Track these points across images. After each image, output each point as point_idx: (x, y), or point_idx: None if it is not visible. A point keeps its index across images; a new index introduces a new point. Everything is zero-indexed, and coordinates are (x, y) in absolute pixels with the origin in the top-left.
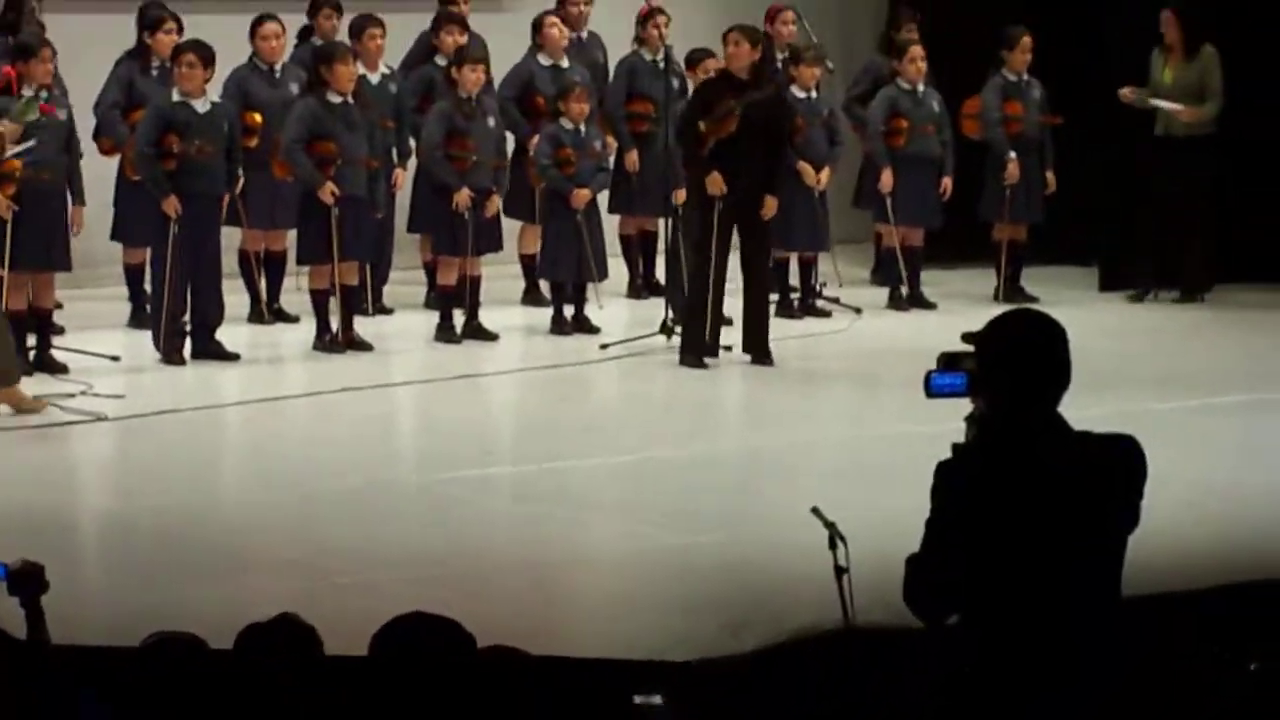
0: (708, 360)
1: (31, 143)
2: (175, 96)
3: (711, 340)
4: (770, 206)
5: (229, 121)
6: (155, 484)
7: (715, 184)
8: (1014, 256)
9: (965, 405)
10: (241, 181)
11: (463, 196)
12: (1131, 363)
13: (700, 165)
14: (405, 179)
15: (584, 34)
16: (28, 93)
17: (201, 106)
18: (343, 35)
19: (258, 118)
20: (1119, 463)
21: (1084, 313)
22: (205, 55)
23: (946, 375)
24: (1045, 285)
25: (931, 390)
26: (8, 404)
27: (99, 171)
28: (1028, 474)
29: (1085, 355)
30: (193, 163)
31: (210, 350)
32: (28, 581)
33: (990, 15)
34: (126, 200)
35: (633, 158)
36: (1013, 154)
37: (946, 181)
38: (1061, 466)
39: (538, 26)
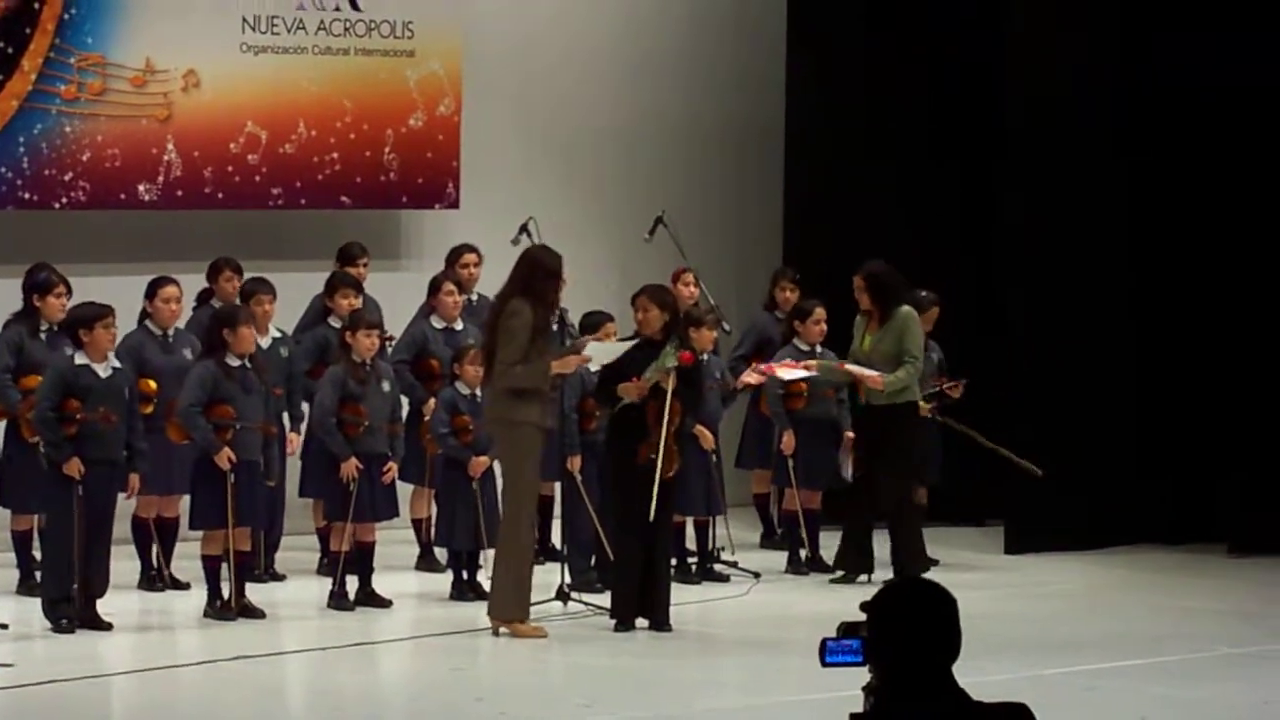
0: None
1: None
2: (78, 360)
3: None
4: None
5: (129, 389)
6: None
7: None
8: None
9: (865, 674)
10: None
11: (349, 466)
12: (1032, 626)
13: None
14: (298, 443)
15: (474, 296)
16: None
17: (103, 371)
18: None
19: (153, 384)
20: None
21: (988, 576)
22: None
23: (841, 643)
24: (947, 547)
25: (826, 659)
26: None
27: None
28: None
29: (986, 619)
30: (94, 429)
31: (87, 619)
32: None
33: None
34: (15, 465)
35: None
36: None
37: (848, 435)
38: None
39: (434, 289)
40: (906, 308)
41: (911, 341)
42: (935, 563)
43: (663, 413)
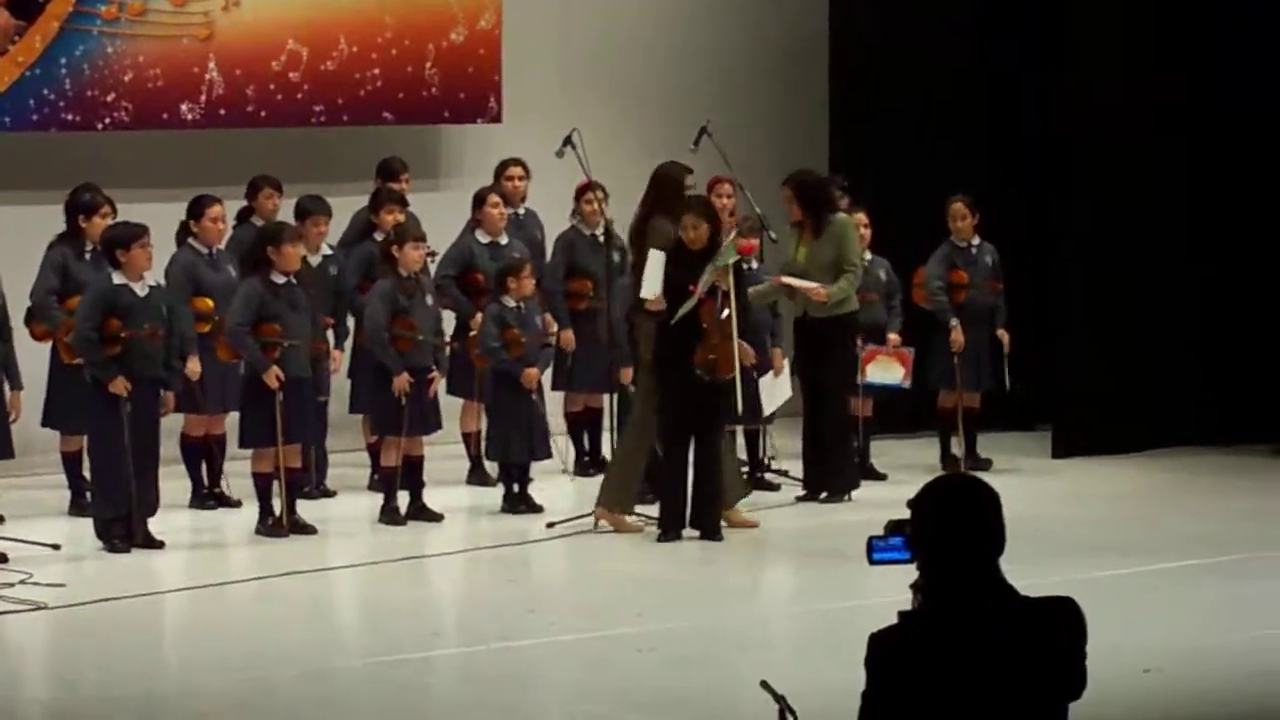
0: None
1: None
2: (116, 279)
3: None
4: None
5: (167, 306)
6: (99, 674)
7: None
8: (967, 424)
9: (913, 573)
10: (189, 369)
11: (401, 381)
12: (1084, 529)
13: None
14: (342, 360)
15: (521, 210)
16: None
17: (141, 290)
18: (284, 215)
19: (209, 303)
20: (1056, 627)
21: (1038, 479)
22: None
23: (887, 541)
24: (998, 451)
25: (873, 557)
26: None
27: (30, 358)
28: (962, 642)
29: (1038, 522)
30: (138, 346)
31: (139, 538)
32: None
33: (939, 183)
34: (61, 387)
35: (568, 336)
36: (955, 320)
37: (893, 337)
38: (996, 634)
39: (479, 202)
40: (842, 215)
41: (850, 249)
42: (857, 485)
43: (718, 313)
